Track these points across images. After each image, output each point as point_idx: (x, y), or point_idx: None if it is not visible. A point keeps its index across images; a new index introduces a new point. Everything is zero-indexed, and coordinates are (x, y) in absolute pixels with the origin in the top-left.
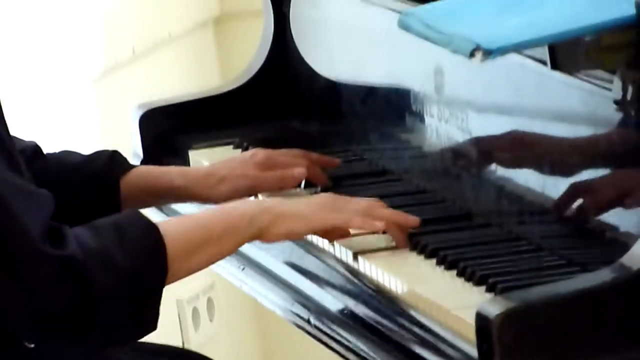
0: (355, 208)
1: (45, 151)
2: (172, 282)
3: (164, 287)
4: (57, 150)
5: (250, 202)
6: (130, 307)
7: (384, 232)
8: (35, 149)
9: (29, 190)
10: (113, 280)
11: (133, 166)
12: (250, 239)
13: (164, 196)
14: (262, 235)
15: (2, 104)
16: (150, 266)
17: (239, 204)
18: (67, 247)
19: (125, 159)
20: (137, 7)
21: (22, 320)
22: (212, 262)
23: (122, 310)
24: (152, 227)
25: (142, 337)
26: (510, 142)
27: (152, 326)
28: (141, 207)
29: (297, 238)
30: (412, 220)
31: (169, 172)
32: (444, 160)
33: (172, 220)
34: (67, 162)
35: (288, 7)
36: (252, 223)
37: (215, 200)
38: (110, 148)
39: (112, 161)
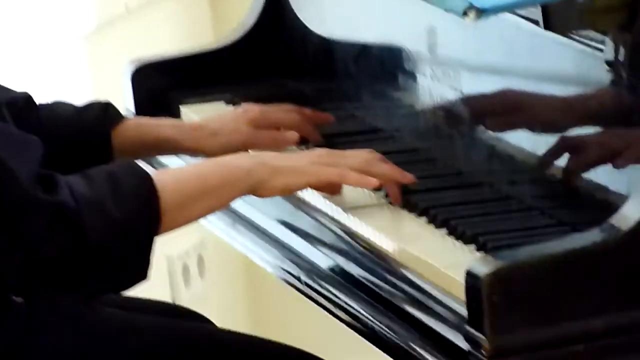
0: (351, 162)
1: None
2: (167, 231)
3: (156, 236)
4: (49, 101)
5: (247, 156)
6: (122, 255)
7: (378, 189)
8: (26, 99)
9: (17, 135)
10: (106, 227)
11: (125, 118)
12: (247, 192)
13: (155, 148)
14: (258, 189)
15: None
16: (143, 215)
17: (236, 157)
18: (59, 194)
19: (117, 111)
20: None
21: (12, 270)
22: (207, 214)
23: (115, 258)
24: (146, 176)
25: (133, 285)
26: (502, 100)
27: (143, 275)
28: (134, 159)
29: (293, 192)
30: (408, 177)
31: (161, 124)
32: (436, 119)
33: (168, 171)
34: (58, 113)
35: None
36: (249, 176)
37: (207, 154)
38: None
39: (105, 113)
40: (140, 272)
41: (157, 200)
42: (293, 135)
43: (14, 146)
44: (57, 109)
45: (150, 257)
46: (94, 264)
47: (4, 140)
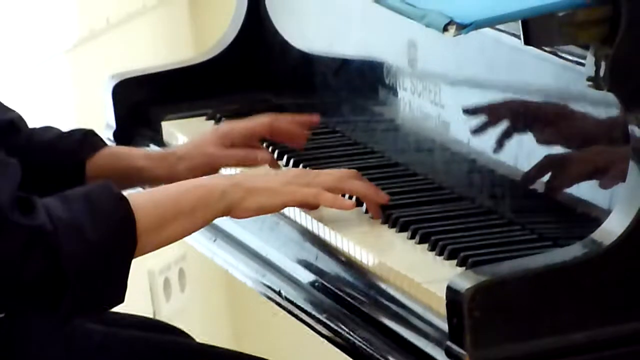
0: (325, 180)
1: (25, 123)
2: (142, 254)
3: (132, 259)
4: (41, 126)
5: (221, 177)
6: (98, 278)
7: (358, 205)
8: (12, 122)
9: None
10: (82, 251)
11: (103, 147)
12: (221, 213)
13: (128, 178)
14: (232, 209)
15: None
16: (119, 238)
17: (210, 178)
18: (37, 217)
19: (97, 139)
20: None
21: None
22: (183, 236)
23: (91, 282)
24: (122, 199)
25: (110, 308)
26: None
27: (120, 298)
28: None
29: (268, 213)
30: (383, 196)
31: (133, 154)
32: (417, 133)
33: (143, 193)
34: (43, 138)
35: None
36: (223, 198)
37: (177, 180)
38: (84, 118)
39: (83, 141)
40: (116, 295)
41: (133, 222)
42: (264, 155)
43: None
44: (44, 133)
45: (127, 280)
46: (71, 286)
47: None
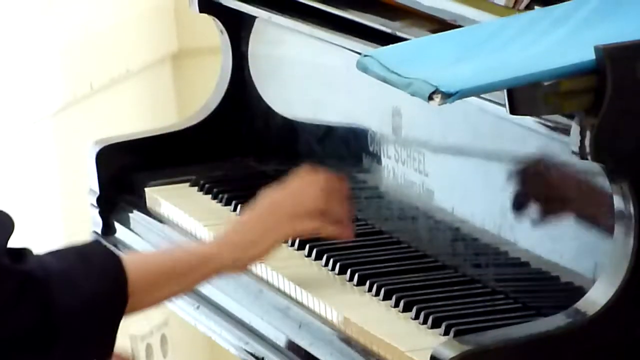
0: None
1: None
2: (133, 313)
3: (122, 316)
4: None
5: (212, 241)
6: (87, 330)
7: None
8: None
9: None
10: (73, 301)
11: None
12: (216, 273)
13: None
14: (227, 269)
15: None
16: (111, 293)
17: (203, 244)
18: (27, 263)
19: None
20: (95, 42)
21: None
22: (177, 296)
23: (80, 333)
24: (115, 257)
25: None
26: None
27: (107, 353)
28: None
29: (264, 259)
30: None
31: None
32: (401, 201)
33: (137, 254)
34: None
35: (247, 46)
36: (216, 259)
37: None
38: (67, 182)
39: None
40: (104, 351)
41: (125, 280)
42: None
43: None
44: None
45: (115, 337)
46: (59, 336)
47: None
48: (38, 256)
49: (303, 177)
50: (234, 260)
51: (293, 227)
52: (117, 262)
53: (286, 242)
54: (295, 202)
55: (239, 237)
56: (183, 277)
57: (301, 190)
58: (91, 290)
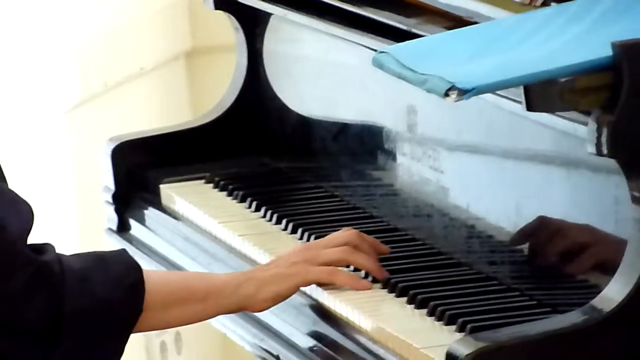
0: (331, 257)
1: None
2: (144, 329)
3: (133, 327)
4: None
5: (236, 272)
6: (96, 335)
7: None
8: None
9: (11, 195)
10: (84, 301)
11: None
12: (236, 307)
13: None
14: (249, 303)
15: None
16: (124, 303)
17: (226, 273)
18: (46, 255)
19: None
20: (110, 40)
21: None
22: (193, 322)
23: (88, 337)
24: (136, 268)
25: None
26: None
27: None
28: None
29: (285, 299)
30: (382, 273)
31: None
32: (416, 198)
33: (158, 271)
34: None
35: (262, 43)
36: (237, 291)
37: None
38: (82, 180)
39: None
40: (109, 358)
41: (142, 292)
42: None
43: (8, 203)
44: None
45: (123, 347)
46: (67, 335)
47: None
48: (58, 253)
49: (338, 232)
50: (256, 290)
51: (319, 271)
52: (137, 273)
53: (300, 238)
54: (326, 243)
55: (263, 273)
56: (200, 303)
57: (334, 236)
58: (104, 296)
